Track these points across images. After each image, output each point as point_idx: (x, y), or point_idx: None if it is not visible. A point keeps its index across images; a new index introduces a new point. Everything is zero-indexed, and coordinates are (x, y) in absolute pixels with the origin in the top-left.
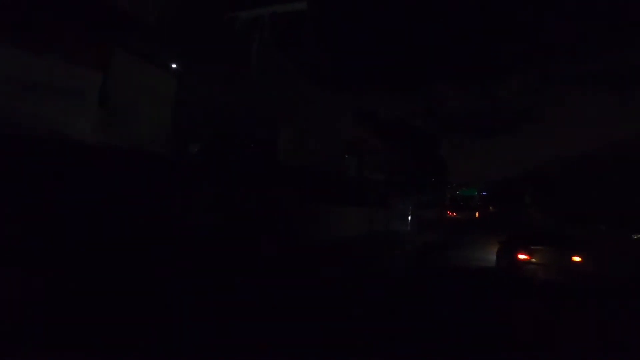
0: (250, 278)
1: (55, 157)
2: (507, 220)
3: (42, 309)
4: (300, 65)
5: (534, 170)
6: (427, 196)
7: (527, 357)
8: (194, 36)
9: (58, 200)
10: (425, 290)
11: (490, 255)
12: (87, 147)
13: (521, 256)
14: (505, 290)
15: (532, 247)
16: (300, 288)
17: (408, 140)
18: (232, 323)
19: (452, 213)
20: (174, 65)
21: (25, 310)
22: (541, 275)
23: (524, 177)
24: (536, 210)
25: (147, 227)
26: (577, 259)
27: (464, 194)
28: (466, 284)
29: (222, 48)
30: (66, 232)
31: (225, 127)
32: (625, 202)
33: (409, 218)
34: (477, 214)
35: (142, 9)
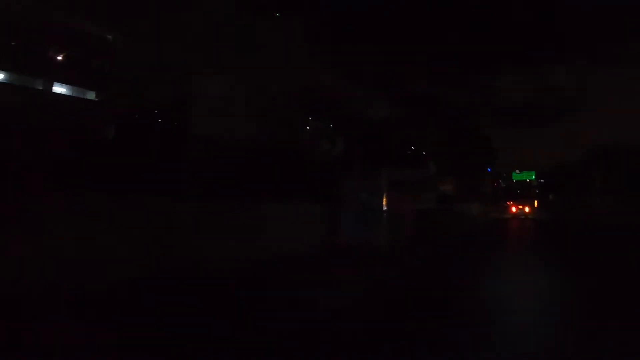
0: None
1: None
2: (571, 212)
3: None
4: None
5: (598, 153)
6: (458, 185)
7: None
8: None
9: None
10: None
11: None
12: None
13: (513, 209)
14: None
15: (514, 205)
16: None
17: (437, 114)
18: None
19: (513, 206)
20: None
21: None
22: (517, 214)
23: (587, 160)
24: (605, 200)
25: None
26: (527, 209)
27: (519, 179)
28: None
29: None
30: None
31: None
32: None
33: (380, 222)
34: (536, 203)
35: None
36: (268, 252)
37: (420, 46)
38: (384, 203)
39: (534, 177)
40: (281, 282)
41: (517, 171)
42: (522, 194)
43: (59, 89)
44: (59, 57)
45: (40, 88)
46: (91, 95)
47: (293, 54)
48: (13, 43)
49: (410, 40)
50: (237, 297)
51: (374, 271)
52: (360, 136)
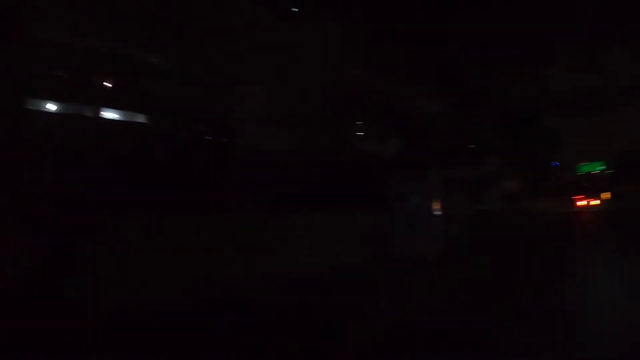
0: None
1: None
2: None
3: None
4: None
5: None
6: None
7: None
8: None
9: None
10: None
11: None
12: None
13: (582, 202)
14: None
15: (584, 198)
16: None
17: (494, 107)
18: None
19: (583, 199)
20: None
21: None
22: (587, 207)
23: None
24: None
25: None
26: (597, 202)
27: (588, 171)
28: None
29: None
30: None
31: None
32: None
33: (436, 227)
34: (606, 195)
35: None
36: (314, 265)
37: (471, 37)
38: (440, 206)
39: (603, 167)
40: (324, 300)
41: (586, 162)
42: (591, 186)
43: (108, 114)
44: (107, 84)
45: (91, 115)
46: (140, 118)
47: (336, 55)
48: (62, 74)
49: (461, 32)
50: (283, 316)
51: (429, 284)
52: (411, 135)
